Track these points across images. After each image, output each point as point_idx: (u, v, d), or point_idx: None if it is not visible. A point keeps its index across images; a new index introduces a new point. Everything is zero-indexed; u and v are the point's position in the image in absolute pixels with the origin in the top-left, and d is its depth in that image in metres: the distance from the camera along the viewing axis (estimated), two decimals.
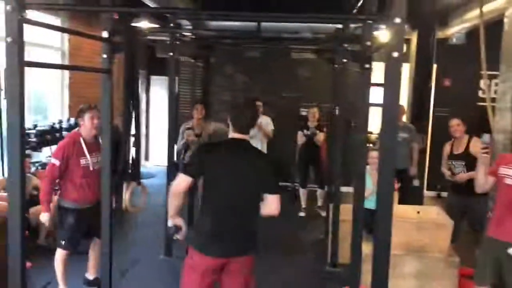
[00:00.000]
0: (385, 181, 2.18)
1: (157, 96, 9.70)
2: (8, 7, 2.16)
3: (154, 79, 9.78)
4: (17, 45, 2.18)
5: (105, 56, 3.10)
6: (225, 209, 2.56)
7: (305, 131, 6.70)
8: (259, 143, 6.97)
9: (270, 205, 2.57)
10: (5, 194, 4.62)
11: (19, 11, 2.18)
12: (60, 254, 3.79)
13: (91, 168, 3.73)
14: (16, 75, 2.21)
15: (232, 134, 2.61)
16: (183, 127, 5.69)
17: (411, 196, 5.95)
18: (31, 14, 2.30)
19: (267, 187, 2.57)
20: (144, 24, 5.70)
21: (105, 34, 3.07)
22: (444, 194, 8.10)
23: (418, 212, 4.27)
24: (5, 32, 2.20)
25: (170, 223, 2.68)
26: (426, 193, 7.48)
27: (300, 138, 6.74)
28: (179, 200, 2.61)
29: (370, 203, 3.68)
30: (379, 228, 2.21)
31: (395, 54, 2.04)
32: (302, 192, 6.90)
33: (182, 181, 2.58)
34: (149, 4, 5.42)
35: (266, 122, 7.04)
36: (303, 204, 6.88)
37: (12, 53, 2.19)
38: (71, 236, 3.75)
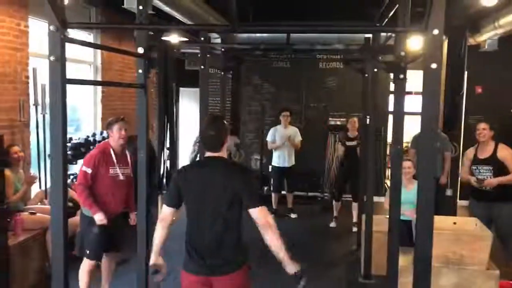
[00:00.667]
0: (425, 191, 2.14)
1: (185, 108, 9.82)
2: (52, 27, 2.22)
3: (181, 90, 9.91)
4: (60, 63, 2.25)
5: (140, 71, 3.17)
6: (202, 226, 2.55)
7: (346, 142, 6.49)
8: (287, 154, 6.93)
9: (259, 219, 2.44)
10: (42, 206, 4.78)
11: (62, 31, 2.25)
12: (86, 265, 3.84)
13: (120, 178, 3.84)
14: (59, 92, 2.27)
15: (206, 153, 2.63)
16: (196, 138, 5.58)
17: (444, 206, 5.83)
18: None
19: (246, 201, 2.49)
20: (174, 38, 5.78)
21: (140, 50, 3.14)
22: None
23: (455, 223, 4.18)
24: (48, 51, 2.27)
25: (151, 260, 2.64)
26: (459, 202, 7.31)
27: (340, 149, 6.54)
28: (163, 230, 2.62)
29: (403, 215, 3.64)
30: (419, 239, 2.18)
31: (434, 66, 2.03)
32: (336, 204, 6.71)
33: (165, 212, 2.61)
34: (180, 19, 5.53)
35: (294, 132, 7.01)
36: (335, 213, 6.72)
37: (55, 71, 2.25)
38: (96, 246, 3.80)
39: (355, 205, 6.48)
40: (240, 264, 2.56)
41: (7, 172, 4.40)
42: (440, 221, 4.16)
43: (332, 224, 6.70)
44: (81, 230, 3.92)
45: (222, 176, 2.55)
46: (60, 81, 2.27)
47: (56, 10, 2.19)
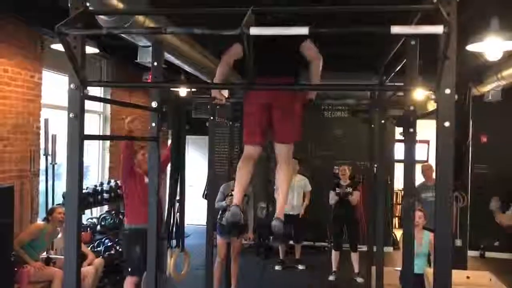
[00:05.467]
0: (441, 243, 2.12)
1: (190, 156, 9.84)
2: (72, 85, 2.28)
3: (187, 138, 9.94)
4: (78, 120, 2.30)
5: (153, 124, 3.23)
6: None
7: (337, 189, 6.51)
8: (294, 200, 6.82)
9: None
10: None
11: (81, 89, 2.31)
12: (129, 282, 4.00)
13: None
14: (76, 147, 2.31)
15: None
16: (224, 187, 5.58)
17: (454, 257, 5.72)
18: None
19: None
20: (183, 89, 5.91)
21: (154, 105, 3.21)
22: (490, 253, 7.80)
23: (468, 277, 4.08)
24: (67, 108, 2.33)
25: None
26: (469, 252, 7.19)
27: (332, 197, 6.55)
28: None
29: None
30: None
31: (447, 124, 2.06)
32: (334, 255, 6.58)
33: None
34: (186, 69, 5.65)
35: (304, 182, 6.94)
36: (334, 267, 6.57)
37: (73, 128, 2.30)
38: (138, 262, 3.94)
39: (354, 255, 6.42)
40: None
41: (40, 225, 4.68)
42: (453, 276, 4.07)
43: (331, 278, 6.52)
44: (125, 248, 4.25)
45: None
46: (78, 137, 2.31)
47: (77, 69, 2.26)
